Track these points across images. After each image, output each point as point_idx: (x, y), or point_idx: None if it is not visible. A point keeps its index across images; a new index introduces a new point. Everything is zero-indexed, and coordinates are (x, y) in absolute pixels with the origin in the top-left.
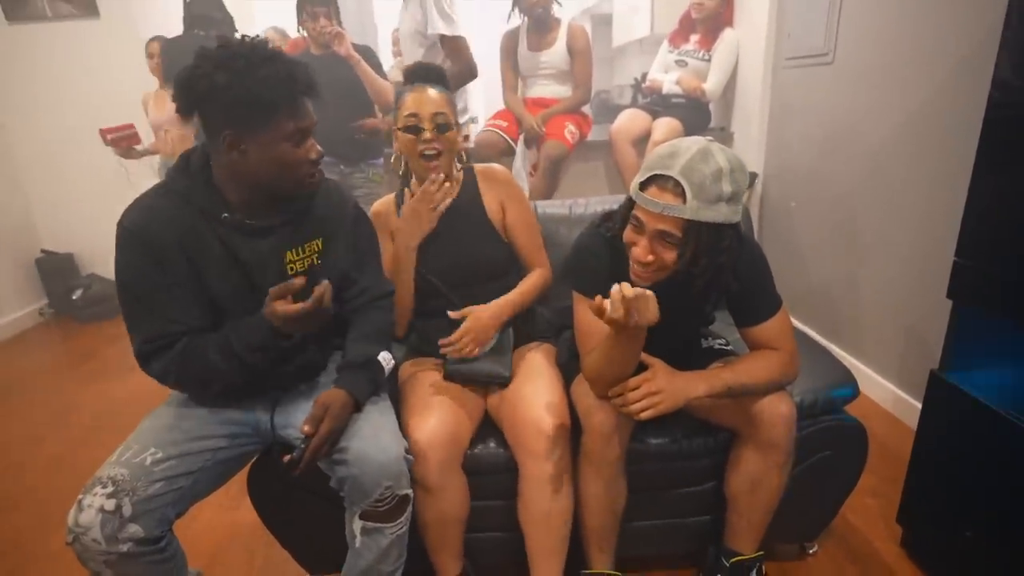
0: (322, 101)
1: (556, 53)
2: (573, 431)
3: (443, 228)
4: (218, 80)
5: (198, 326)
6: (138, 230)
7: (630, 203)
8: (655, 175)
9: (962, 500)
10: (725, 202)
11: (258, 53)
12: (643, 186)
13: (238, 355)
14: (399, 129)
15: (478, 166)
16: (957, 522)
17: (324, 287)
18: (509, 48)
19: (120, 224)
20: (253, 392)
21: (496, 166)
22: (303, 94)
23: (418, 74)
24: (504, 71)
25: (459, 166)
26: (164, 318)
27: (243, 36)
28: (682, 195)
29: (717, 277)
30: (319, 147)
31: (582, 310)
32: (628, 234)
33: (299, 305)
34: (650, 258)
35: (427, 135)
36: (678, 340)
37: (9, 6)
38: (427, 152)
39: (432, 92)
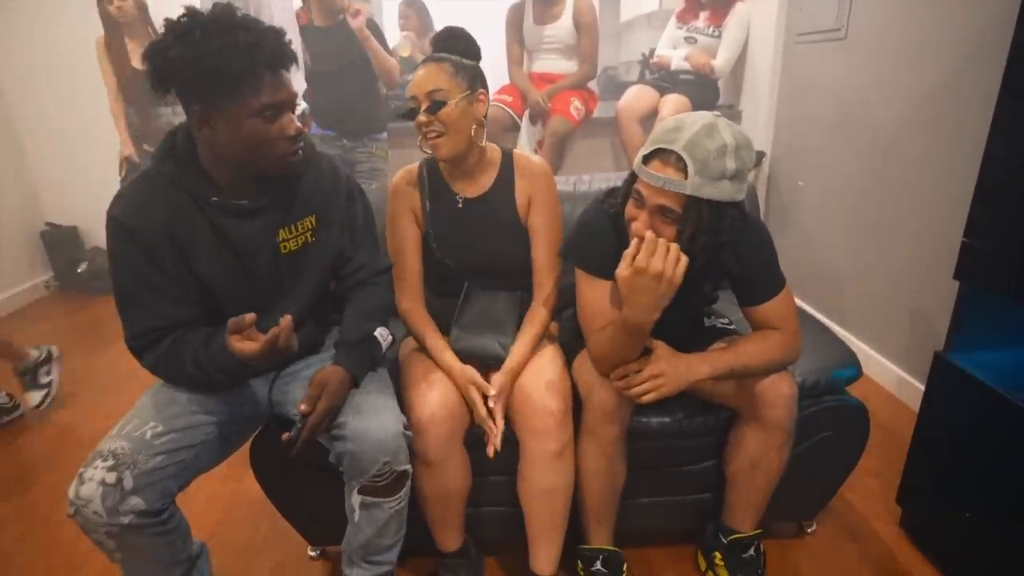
0: (321, 74)
1: (562, 27)
2: (574, 408)
3: (469, 216)
4: (173, 53)
5: (187, 319)
6: (126, 221)
7: (633, 177)
8: (658, 149)
9: (962, 481)
10: (728, 180)
11: (220, 23)
12: (646, 159)
13: (207, 372)
14: (398, 115)
15: (519, 154)
16: (957, 503)
17: (282, 326)
18: (514, 21)
19: (109, 214)
20: (251, 369)
21: (538, 159)
22: (269, 66)
23: (435, 46)
24: (509, 45)
25: (487, 143)
26: (153, 313)
27: (215, 3)
28: (684, 170)
29: (717, 256)
30: (298, 123)
31: (586, 288)
32: (629, 209)
33: (253, 345)
34: (662, 230)
35: (421, 118)
36: (679, 318)
37: None
38: (427, 135)
39: (433, 67)
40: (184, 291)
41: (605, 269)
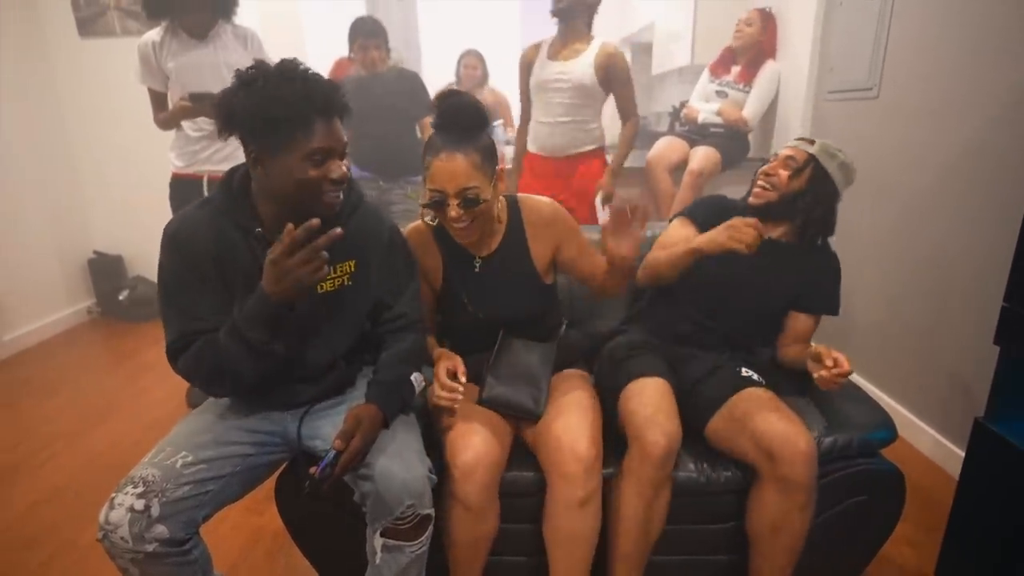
0: (361, 118)
1: (579, 64)
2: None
3: (488, 275)
4: (237, 99)
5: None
6: (177, 235)
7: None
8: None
9: (1006, 556)
10: (837, 165)
11: (282, 73)
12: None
13: (238, 329)
14: (423, 204)
15: (523, 198)
16: None
17: (310, 224)
18: (526, 63)
19: (165, 230)
20: (282, 404)
21: (543, 201)
22: (320, 113)
23: (449, 126)
24: (521, 94)
25: (501, 201)
26: (192, 316)
27: (282, 59)
28: (812, 143)
29: (811, 223)
30: (344, 168)
31: (678, 228)
32: (766, 166)
33: (279, 246)
34: (780, 171)
35: (452, 212)
36: (752, 306)
37: (83, 22)
38: (456, 226)
39: (462, 161)
40: (222, 301)
41: (706, 224)
